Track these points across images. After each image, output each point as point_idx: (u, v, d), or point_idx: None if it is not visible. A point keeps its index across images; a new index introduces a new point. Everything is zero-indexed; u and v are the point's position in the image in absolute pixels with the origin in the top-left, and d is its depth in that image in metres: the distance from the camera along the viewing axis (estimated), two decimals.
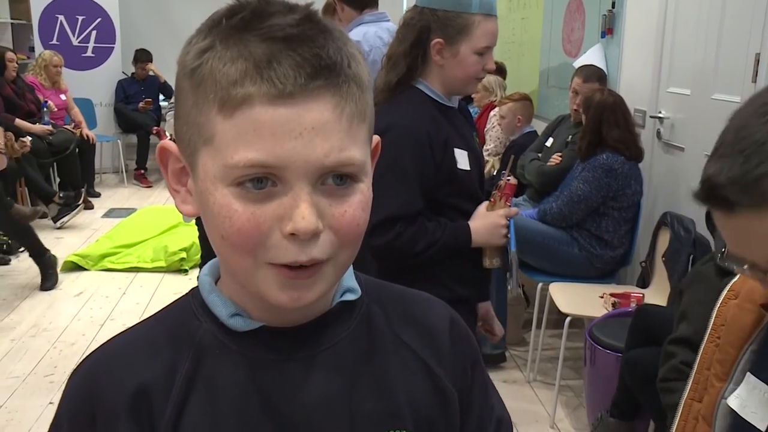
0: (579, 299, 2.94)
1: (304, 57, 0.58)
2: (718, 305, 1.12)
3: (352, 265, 0.71)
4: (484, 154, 4.77)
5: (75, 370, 0.68)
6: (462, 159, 1.70)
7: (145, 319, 0.71)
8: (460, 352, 0.76)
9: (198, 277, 0.71)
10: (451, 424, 0.73)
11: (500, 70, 5.26)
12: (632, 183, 3.09)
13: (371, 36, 2.81)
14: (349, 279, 0.72)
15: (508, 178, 1.80)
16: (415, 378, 0.71)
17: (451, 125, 1.71)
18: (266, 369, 0.66)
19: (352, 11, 2.90)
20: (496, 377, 3.22)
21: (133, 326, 0.71)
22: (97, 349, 0.69)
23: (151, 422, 0.64)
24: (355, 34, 2.81)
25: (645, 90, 3.45)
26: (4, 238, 4.75)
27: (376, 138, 0.69)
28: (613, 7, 3.78)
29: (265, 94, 0.57)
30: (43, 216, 5.19)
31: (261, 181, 0.59)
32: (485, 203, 1.76)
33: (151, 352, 0.66)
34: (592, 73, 3.60)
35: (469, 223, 1.71)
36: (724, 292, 1.12)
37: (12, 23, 7.11)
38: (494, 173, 4.52)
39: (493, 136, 4.69)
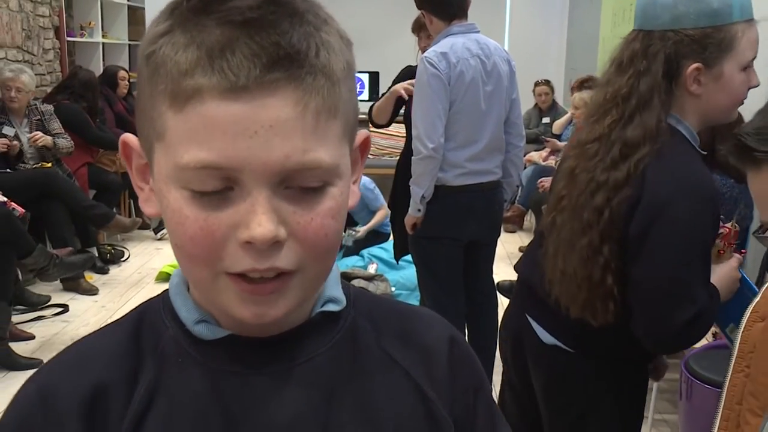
0: None
1: (261, 45, 0.51)
2: (742, 330, 0.97)
3: (339, 274, 0.64)
4: None
5: (30, 377, 0.62)
6: None
7: (111, 323, 0.65)
8: (459, 375, 0.67)
9: (170, 279, 0.65)
10: None
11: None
12: (741, 207, 2.85)
13: (459, 47, 2.73)
14: (333, 288, 0.64)
15: (735, 225, 1.56)
16: (405, 402, 0.63)
17: None
18: (231, 382, 0.59)
19: (440, 22, 2.84)
20: None
21: (97, 330, 0.65)
22: (55, 355, 0.63)
23: (105, 427, 0.57)
24: (443, 45, 2.75)
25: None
26: (108, 247, 4.96)
27: (363, 133, 0.61)
28: None
29: (215, 87, 0.51)
30: (144, 227, 5.40)
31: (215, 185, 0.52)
32: None
33: (111, 358, 0.61)
34: None
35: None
36: (747, 314, 0.98)
37: (129, 44, 7.48)
38: None
39: None
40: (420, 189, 2.73)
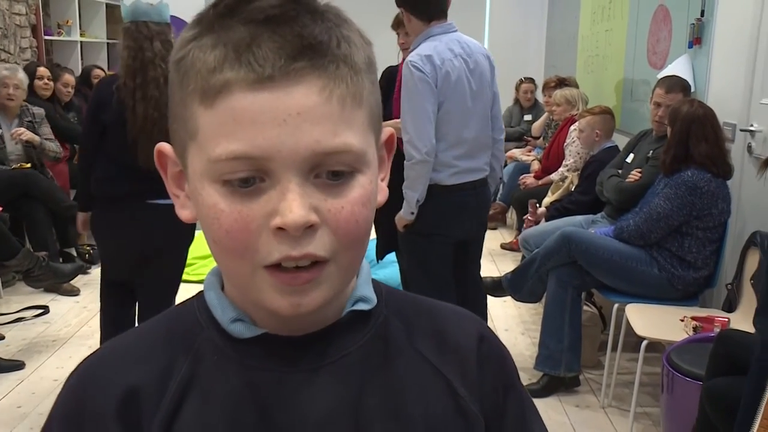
0: (657, 322, 2.77)
1: (285, 38, 0.54)
2: None
3: (370, 273, 0.66)
4: (563, 169, 4.62)
5: (71, 373, 0.65)
6: None
7: (147, 321, 0.68)
8: (488, 373, 0.68)
9: (204, 279, 0.67)
10: None
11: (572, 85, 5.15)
12: (719, 202, 2.90)
13: (442, 49, 2.74)
14: (364, 287, 0.66)
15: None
16: (437, 399, 0.64)
17: None
18: (266, 380, 0.61)
19: (419, 22, 2.84)
20: (569, 401, 3.08)
21: (134, 329, 0.69)
22: (94, 351, 0.67)
23: (139, 428, 0.60)
24: (425, 48, 2.74)
25: (735, 102, 3.25)
26: (87, 247, 4.91)
27: (388, 130, 0.64)
28: (702, 15, 3.58)
29: (243, 80, 0.54)
30: None
31: (247, 180, 0.55)
32: None
33: (145, 356, 0.63)
34: (675, 84, 3.41)
35: None
36: None
37: (108, 43, 7.42)
38: (572, 189, 4.36)
39: (573, 151, 4.53)
40: (414, 193, 2.74)
